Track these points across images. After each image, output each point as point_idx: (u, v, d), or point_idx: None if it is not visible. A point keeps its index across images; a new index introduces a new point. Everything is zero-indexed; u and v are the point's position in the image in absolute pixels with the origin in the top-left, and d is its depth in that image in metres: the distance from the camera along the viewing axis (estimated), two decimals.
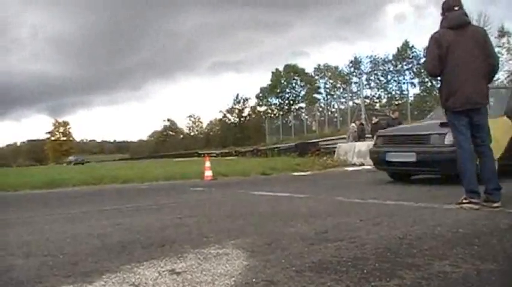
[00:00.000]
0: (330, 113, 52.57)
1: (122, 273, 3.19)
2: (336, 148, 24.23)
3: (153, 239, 4.41)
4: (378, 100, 67.07)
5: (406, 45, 68.48)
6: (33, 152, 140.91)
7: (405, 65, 68.16)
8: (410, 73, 67.56)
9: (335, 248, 3.62)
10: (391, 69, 69.08)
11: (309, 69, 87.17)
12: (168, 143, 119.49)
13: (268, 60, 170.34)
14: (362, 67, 74.88)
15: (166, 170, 18.89)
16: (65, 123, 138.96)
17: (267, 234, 4.45)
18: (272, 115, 78.78)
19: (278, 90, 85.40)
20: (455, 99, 5.65)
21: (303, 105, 79.82)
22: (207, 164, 15.36)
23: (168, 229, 5.08)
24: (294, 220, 5.29)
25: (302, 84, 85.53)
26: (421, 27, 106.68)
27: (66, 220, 6.38)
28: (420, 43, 73.36)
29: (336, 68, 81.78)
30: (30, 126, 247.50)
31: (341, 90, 72.69)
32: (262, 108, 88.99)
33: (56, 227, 5.66)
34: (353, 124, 26.43)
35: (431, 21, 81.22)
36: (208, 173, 15.03)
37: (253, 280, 2.88)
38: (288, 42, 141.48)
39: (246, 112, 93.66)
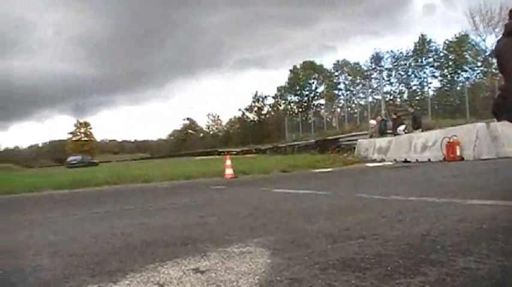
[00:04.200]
0: (349, 109, 52.45)
1: (146, 272, 3.22)
2: (356, 144, 24.16)
3: (176, 238, 4.45)
4: (398, 96, 66.56)
5: (423, 40, 67.85)
6: (55, 153, 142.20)
7: (425, 59, 67.51)
8: (430, 67, 66.94)
9: (358, 245, 3.62)
10: (412, 64, 68.34)
11: (329, 65, 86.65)
12: (188, 142, 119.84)
13: (293, 55, 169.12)
14: (383, 62, 74.25)
15: (186, 169, 19.00)
16: (86, 124, 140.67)
17: (289, 232, 4.46)
18: (291, 112, 78.55)
19: (297, 88, 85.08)
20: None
21: (322, 101, 79.64)
22: (228, 162, 15.41)
23: (190, 227, 5.11)
24: (316, 217, 5.31)
25: (321, 80, 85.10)
26: (450, 19, 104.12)
27: (90, 219, 6.46)
28: (447, 35, 72.63)
29: (356, 63, 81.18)
30: (53, 127, 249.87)
31: (360, 86, 72.14)
32: (282, 106, 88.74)
33: (80, 227, 5.73)
34: (372, 121, 26.29)
35: (460, 12, 79.59)
36: (229, 171, 15.08)
37: (277, 278, 2.89)
38: (313, 37, 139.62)
39: (265, 110, 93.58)
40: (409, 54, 68.67)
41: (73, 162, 63.91)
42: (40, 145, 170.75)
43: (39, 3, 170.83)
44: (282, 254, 3.53)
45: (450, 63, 62.71)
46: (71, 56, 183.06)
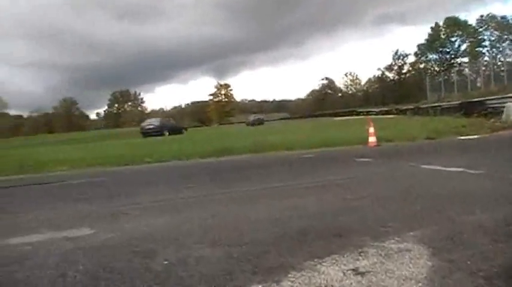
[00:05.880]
0: (495, 67, 49.16)
1: (306, 272, 3.25)
2: (504, 107, 22.61)
3: (330, 228, 4.41)
4: None
5: None
6: (197, 114, 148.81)
7: None
8: None
9: None
10: None
11: (473, 20, 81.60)
12: (327, 102, 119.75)
13: (436, 8, 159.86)
14: None
15: (328, 135, 19.03)
16: (227, 85, 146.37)
17: (446, 223, 4.31)
18: (432, 71, 75.28)
19: (438, 45, 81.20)
20: None
21: (465, 59, 75.45)
22: (371, 129, 15.11)
23: (342, 213, 5.07)
24: (472, 205, 5.04)
25: (464, 37, 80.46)
26: None
27: (242, 199, 6.53)
28: None
29: (503, 17, 75.64)
30: (196, 88, 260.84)
31: (508, 42, 67.27)
32: (422, 65, 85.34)
33: (234, 208, 5.86)
34: None
35: None
36: (372, 139, 14.83)
37: None
38: None
39: (405, 69, 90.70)
40: None
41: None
42: (183, 106, 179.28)
43: None
44: (442, 254, 3.42)
45: None
46: (211, 19, 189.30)
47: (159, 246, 4.16)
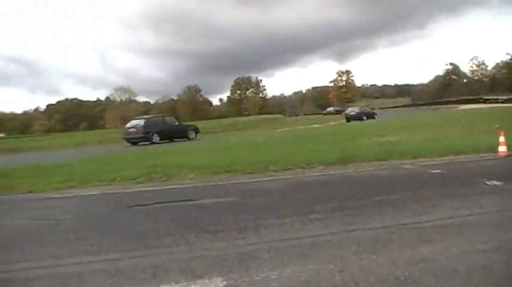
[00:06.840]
0: None
1: None
2: None
3: None
4: None
5: None
6: (318, 99, 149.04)
7: None
8: None
9: None
10: None
11: None
12: (451, 88, 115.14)
13: None
14: None
15: (455, 139, 18.30)
16: (348, 72, 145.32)
17: None
18: None
19: None
20: None
21: None
22: (501, 139, 14.24)
23: (474, 274, 4.60)
24: None
25: None
26: None
27: (369, 243, 5.95)
28: None
29: None
30: (316, 73, 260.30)
31: None
32: None
33: (361, 258, 5.35)
34: None
35: None
36: (503, 149, 14.06)
37: None
38: None
39: None
40: None
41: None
42: (304, 91, 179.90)
43: None
44: None
45: None
46: (332, 2, 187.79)
47: None
